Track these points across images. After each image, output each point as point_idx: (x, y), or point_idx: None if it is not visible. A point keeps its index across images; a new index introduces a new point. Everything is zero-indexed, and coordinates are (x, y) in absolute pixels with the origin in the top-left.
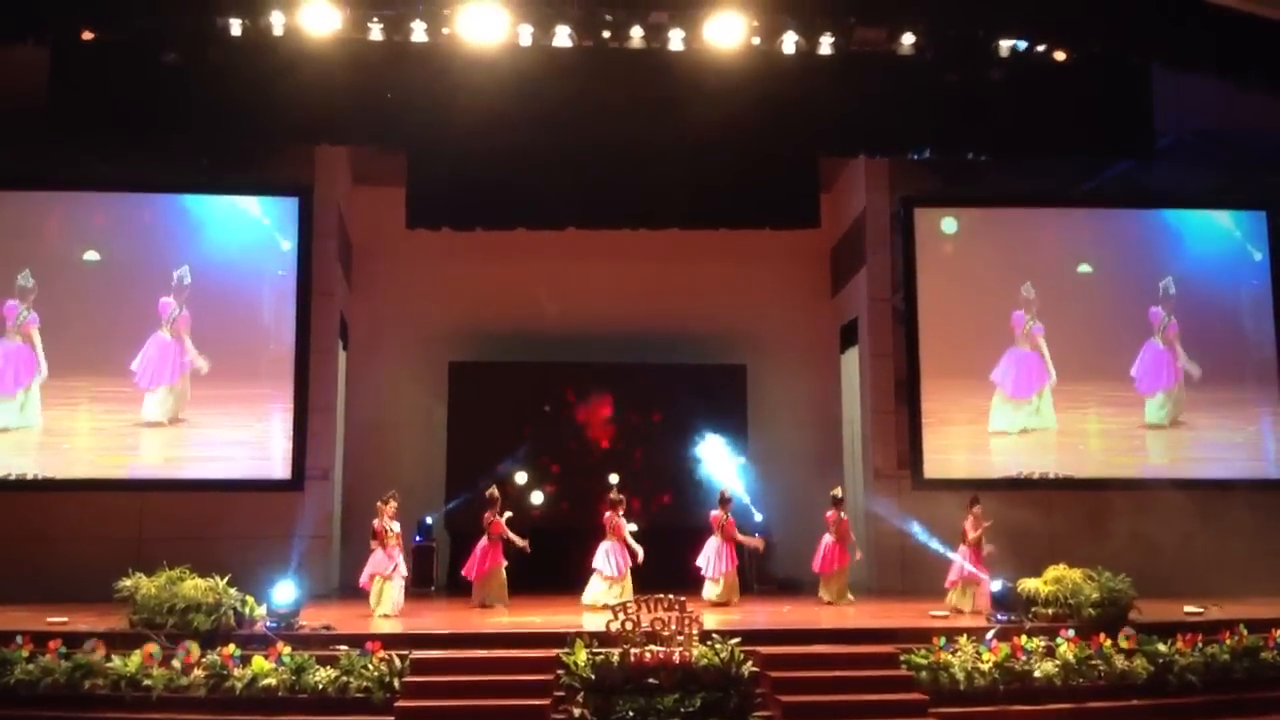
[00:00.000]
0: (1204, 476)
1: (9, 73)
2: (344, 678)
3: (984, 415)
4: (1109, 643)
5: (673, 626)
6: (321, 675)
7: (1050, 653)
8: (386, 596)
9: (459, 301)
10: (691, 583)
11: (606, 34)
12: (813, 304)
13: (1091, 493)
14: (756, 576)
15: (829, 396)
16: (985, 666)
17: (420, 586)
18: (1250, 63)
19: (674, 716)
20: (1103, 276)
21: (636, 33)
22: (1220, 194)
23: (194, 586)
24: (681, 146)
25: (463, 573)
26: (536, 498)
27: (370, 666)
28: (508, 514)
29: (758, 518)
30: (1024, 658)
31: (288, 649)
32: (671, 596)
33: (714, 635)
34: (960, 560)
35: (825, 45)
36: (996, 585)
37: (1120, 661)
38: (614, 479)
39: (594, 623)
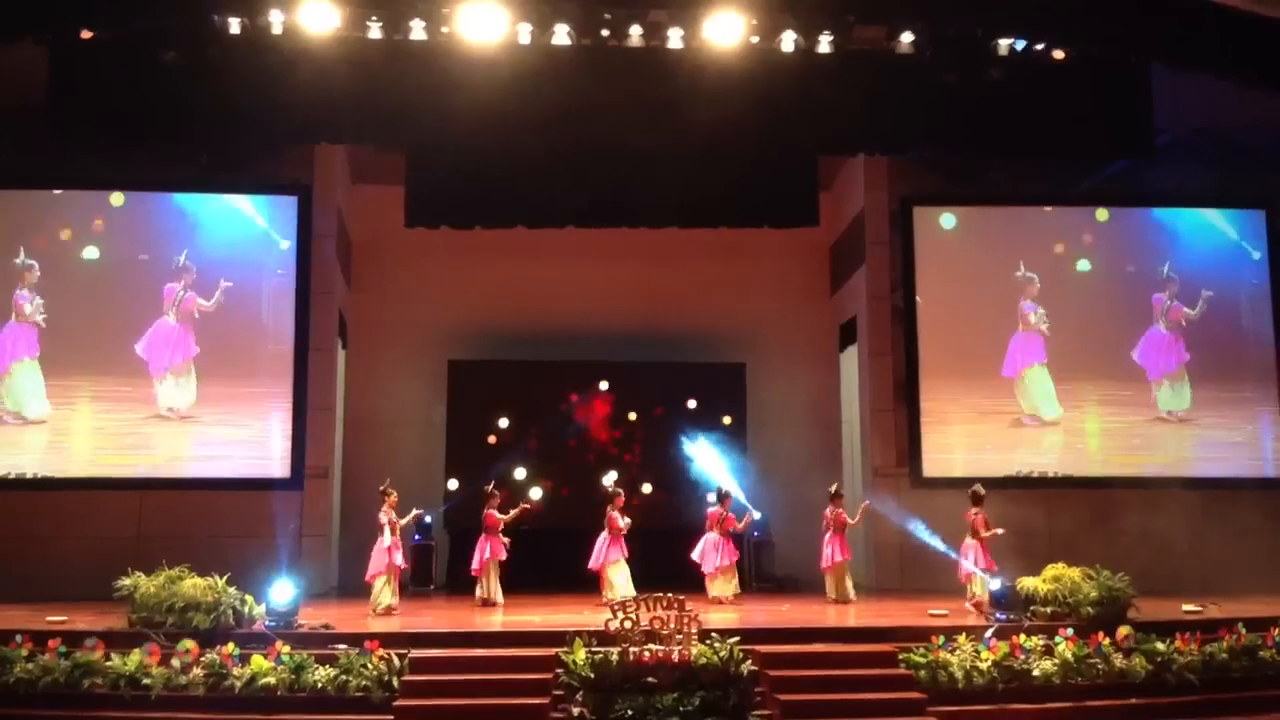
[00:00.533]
0: (1204, 475)
1: (8, 72)
2: (343, 676)
3: (983, 414)
4: (1108, 641)
5: (672, 625)
6: (320, 674)
7: (1049, 651)
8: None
9: (458, 300)
10: (691, 580)
11: (605, 33)
12: (812, 302)
13: (1090, 491)
14: (755, 575)
15: (828, 395)
16: (984, 665)
17: (419, 585)
18: (1249, 61)
19: (673, 715)
20: (1102, 275)
21: (635, 31)
22: (1219, 193)
23: (193, 585)
24: (680, 145)
25: (473, 572)
26: (535, 493)
27: (369, 665)
28: (495, 502)
29: (756, 515)
30: (1023, 656)
31: (287, 648)
32: (671, 595)
33: (713, 634)
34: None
35: (824, 44)
36: (995, 584)
37: (1119, 660)
38: (609, 479)
39: (593, 622)
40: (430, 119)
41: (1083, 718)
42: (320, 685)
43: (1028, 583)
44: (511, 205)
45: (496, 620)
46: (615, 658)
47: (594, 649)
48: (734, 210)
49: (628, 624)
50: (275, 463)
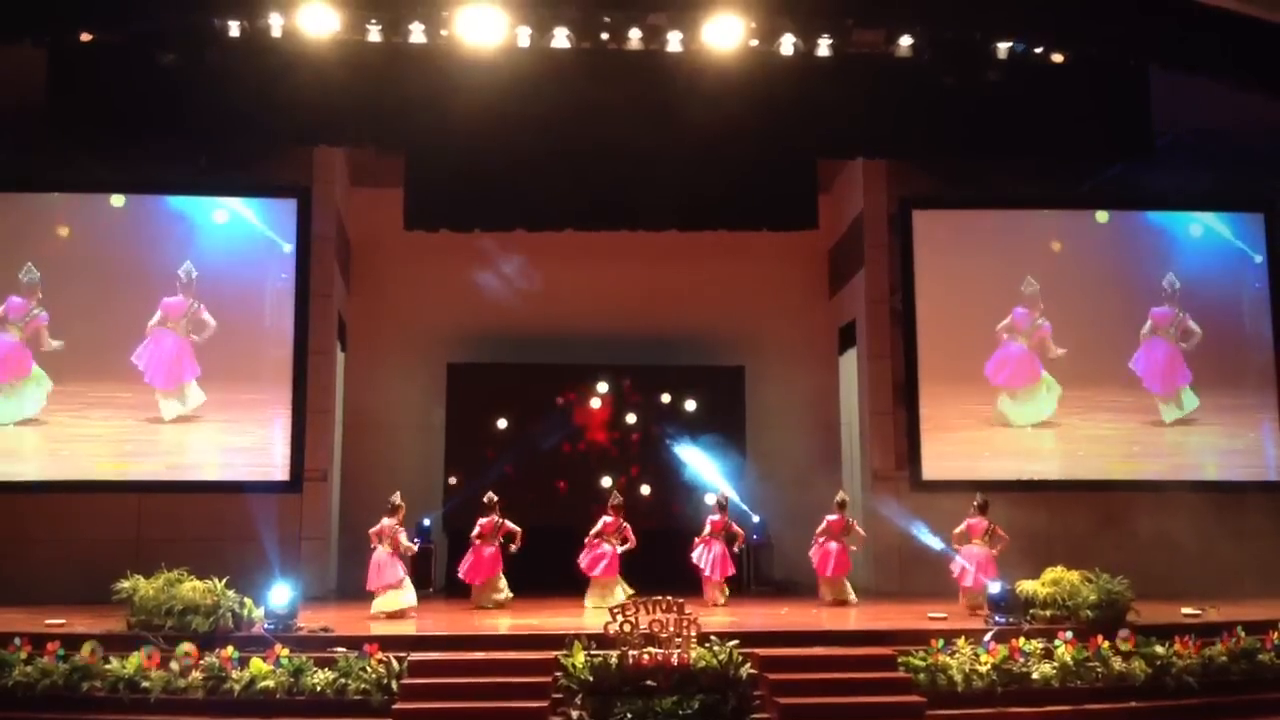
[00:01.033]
0: (1203, 479)
1: (7, 74)
2: (342, 680)
3: (983, 416)
4: (1107, 644)
5: (671, 628)
6: (319, 677)
7: (1048, 654)
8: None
9: (457, 303)
10: (690, 584)
11: (605, 36)
12: (811, 305)
13: (1091, 494)
14: (755, 578)
15: (827, 398)
16: (983, 668)
17: (418, 589)
18: (1248, 64)
19: (672, 718)
20: (1101, 278)
21: (635, 34)
22: (1218, 196)
23: (192, 588)
24: (680, 148)
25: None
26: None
27: (368, 669)
28: (491, 517)
29: (755, 519)
30: (1022, 660)
31: (286, 651)
32: (670, 598)
33: (712, 637)
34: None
35: (823, 47)
36: (995, 587)
37: (1118, 663)
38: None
39: (592, 625)
40: (430, 121)
41: None
42: (319, 688)
43: (1027, 586)
44: (511, 208)
45: (495, 623)
46: (614, 661)
47: (593, 652)
48: (733, 213)
49: (627, 627)
50: (274, 466)
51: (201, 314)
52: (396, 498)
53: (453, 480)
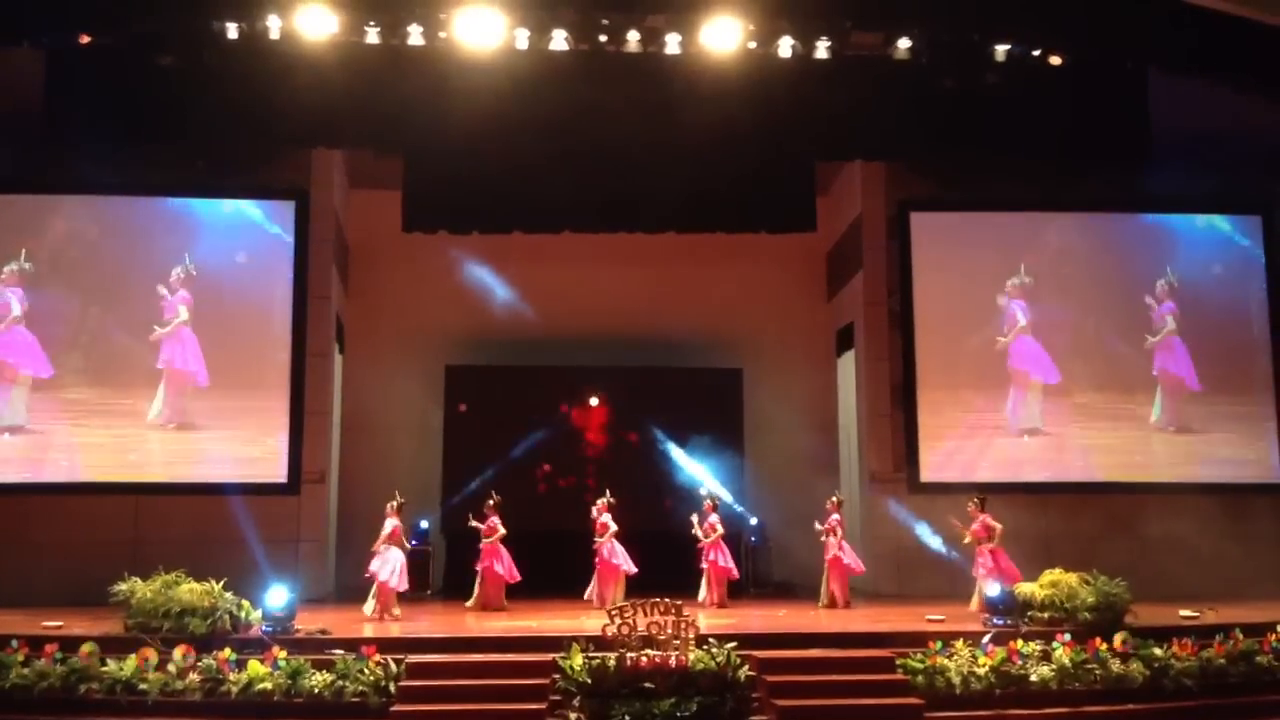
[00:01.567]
0: (1201, 481)
1: (5, 77)
2: (340, 682)
3: (982, 418)
4: (1105, 647)
5: (669, 630)
6: (317, 679)
7: (1046, 657)
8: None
9: (456, 305)
10: (688, 586)
11: (603, 38)
12: (809, 308)
13: (1089, 496)
14: (753, 580)
15: (825, 400)
16: (981, 670)
17: (416, 591)
18: (1246, 66)
19: None
20: (1100, 280)
21: (633, 37)
22: (1217, 198)
23: (189, 590)
24: (678, 150)
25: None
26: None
27: (366, 671)
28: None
29: (753, 521)
30: (1020, 662)
31: (283, 653)
32: (668, 600)
33: (710, 639)
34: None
35: (821, 50)
36: (993, 589)
37: (1116, 665)
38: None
39: (590, 627)
40: (428, 124)
41: None
42: (317, 691)
43: (1025, 588)
44: (509, 210)
45: (493, 626)
46: (612, 663)
47: (591, 654)
48: (731, 215)
49: (625, 629)
50: (272, 468)
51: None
52: (398, 498)
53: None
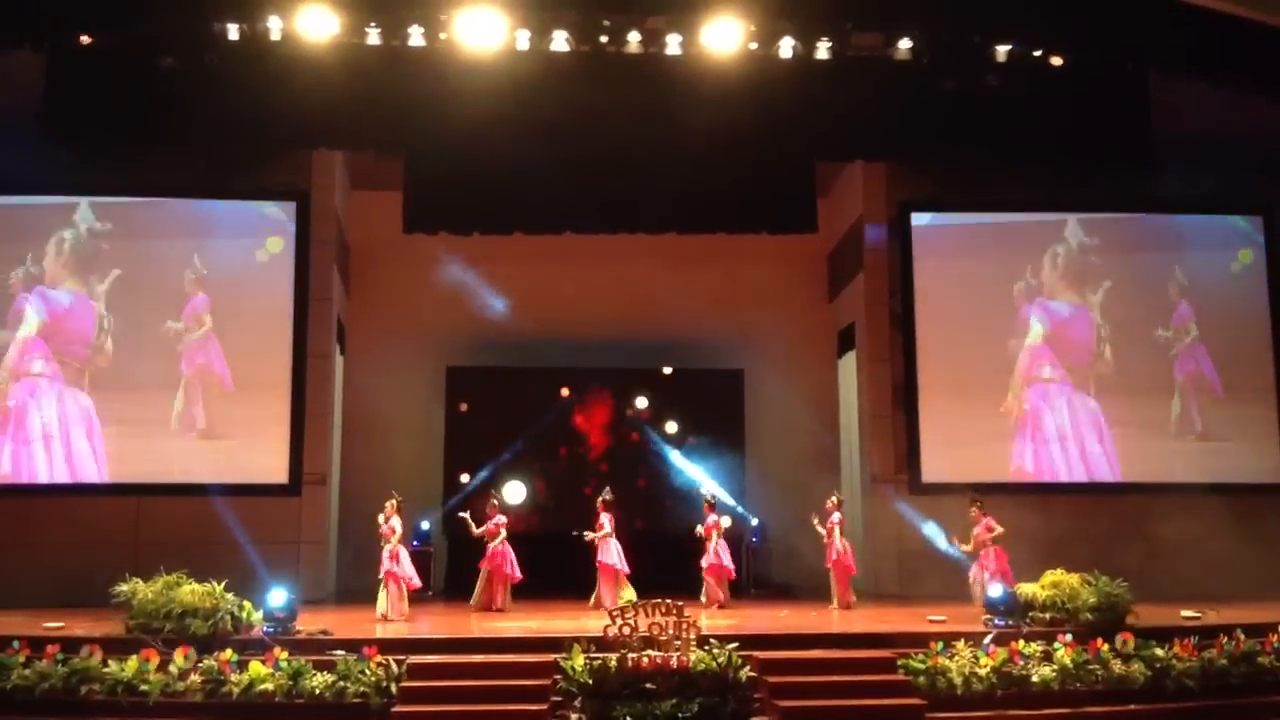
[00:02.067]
0: (1201, 481)
1: (5, 78)
2: (341, 683)
3: (983, 420)
4: (1106, 647)
5: (670, 631)
6: (318, 680)
7: (1048, 657)
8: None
9: (456, 306)
10: (689, 588)
11: (604, 39)
12: (810, 309)
13: (1090, 497)
14: (753, 581)
15: (826, 401)
16: (983, 671)
17: (418, 591)
18: (1247, 67)
19: None
20: (1100, 280)
21: (634, 38)
22: (1217, 198)
23: (191, 591)
24: (678, 151)
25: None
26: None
27: (367, 672)
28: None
29: (754, 522)
30: (1021, 662)
31: (284, 654)
32: (669, 601)
33: (711, 640)
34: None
35: (822, 50)
36: (995, 590)
37: (1118, 666)
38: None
39: (591, 627)
40: (429, 125)
41: None
42: (318, 691)
43: (1026, 589)
44: (510, 211)
45: (495, 626)
46: (614, 664)
47: (592, 655)
48: (732, 216)
49: (626, 630)
50: (273, 469)
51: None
52: (396, 497)
53: (465, 478)
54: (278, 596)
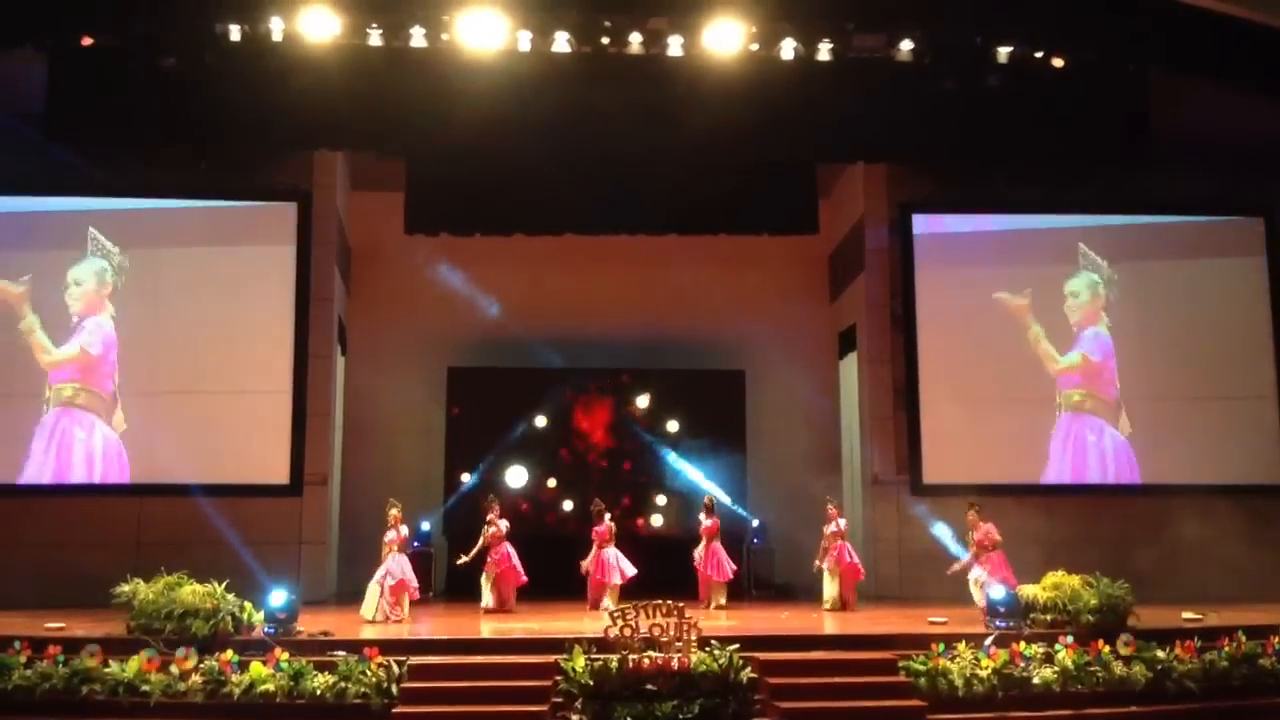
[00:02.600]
0: (1202, 482)
1: (7, 78)
2: (342, 684)
3: (984, 421)
4: (1107, 649)
5: (671, 632)
6: (319, 681)
7: (1049, 659)
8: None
9: (458, 307)
10: (690, 589)
11: (605, 40)
12: (811, 310)
13: (1090, 499)
14: (754, 582)
15: (827, 402)
16: (984, 673)
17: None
18: (1247, 68)
19: None
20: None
21: (635, 39)
22: (1218, 199)
23: (192, 592)
24: (680, 152)
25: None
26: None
27: (368, 672)
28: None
29: (755, 523)
30: (1022, 664)
31: (285, 655)
32: (670, 602)
33: (712, 641)
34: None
35: (824, 52)
36: (997, 591)
37: (1119, 668)
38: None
39: (592, 628)
40: (430, 126)
41: None
42: (319, 692)
43: (1027, 590)
44: (511, 212)
45: (496, 627)
46: (614, 665)
47: (593, 656)
48: (733, 218)
49: (627, 631)
50: (274, 469)
51: None
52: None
53: (466, 477)
54: (278, 597)
